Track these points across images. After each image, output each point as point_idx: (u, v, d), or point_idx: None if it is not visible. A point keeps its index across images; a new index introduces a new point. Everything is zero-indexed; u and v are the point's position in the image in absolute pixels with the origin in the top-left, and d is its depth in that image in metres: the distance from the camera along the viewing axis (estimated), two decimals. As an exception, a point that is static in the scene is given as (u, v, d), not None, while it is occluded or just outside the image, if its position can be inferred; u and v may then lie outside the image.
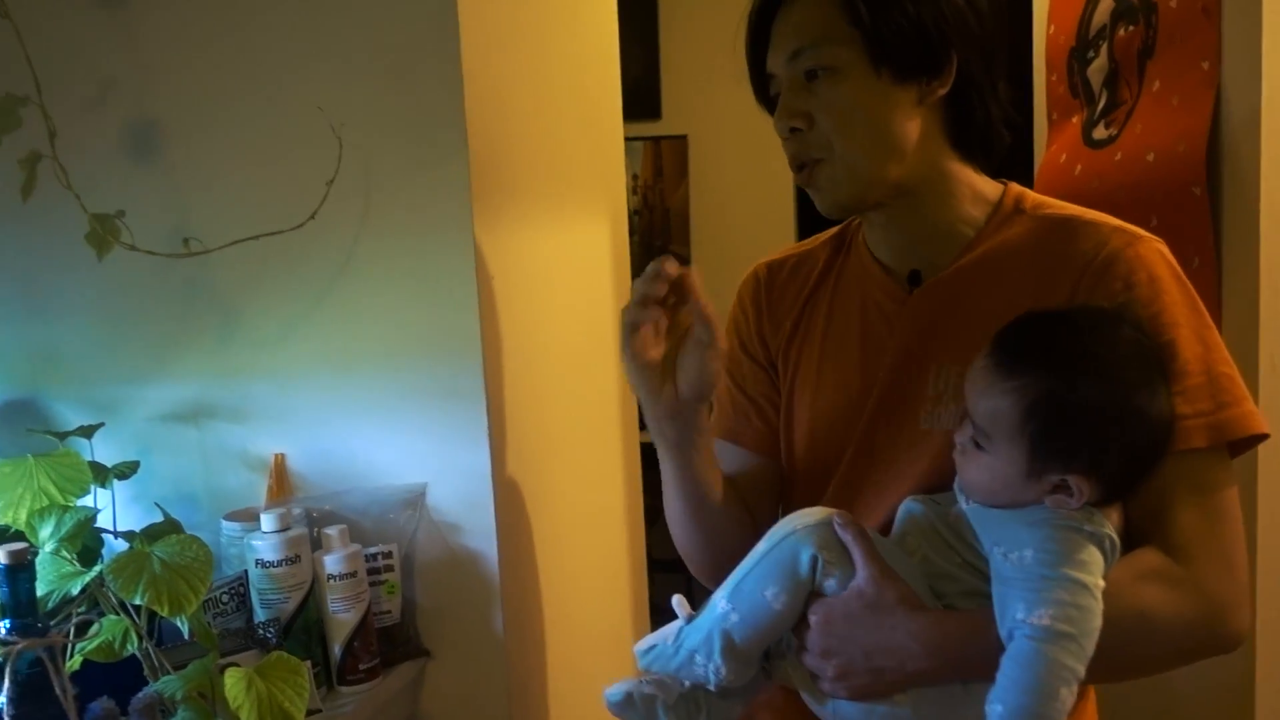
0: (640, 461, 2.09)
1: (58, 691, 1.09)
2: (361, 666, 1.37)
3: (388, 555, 1.43)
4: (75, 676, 1.15)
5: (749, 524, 1.20)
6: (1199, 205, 1.58)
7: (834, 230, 1.27)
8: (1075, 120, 2.05)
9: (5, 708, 1.07)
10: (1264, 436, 1.01)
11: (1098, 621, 0.88)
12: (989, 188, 1.14)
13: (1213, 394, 0.99)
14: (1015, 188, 1.15)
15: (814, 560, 0.99)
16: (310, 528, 1.41)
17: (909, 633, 0.96)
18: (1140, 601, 0.94)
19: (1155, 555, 0.97)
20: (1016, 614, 0.89)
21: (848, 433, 1.14)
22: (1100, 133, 1.93)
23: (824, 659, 1.00)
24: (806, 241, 1.30)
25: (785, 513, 1.17)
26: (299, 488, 1.51)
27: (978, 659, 0.93)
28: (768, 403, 1.24)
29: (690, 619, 1.05)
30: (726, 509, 1.19)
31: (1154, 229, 1.67)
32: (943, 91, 1.08)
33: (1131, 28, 1.83)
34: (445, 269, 1.42)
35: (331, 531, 1.37)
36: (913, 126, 1.08)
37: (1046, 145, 2.17)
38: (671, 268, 1.01)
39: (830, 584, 0.99)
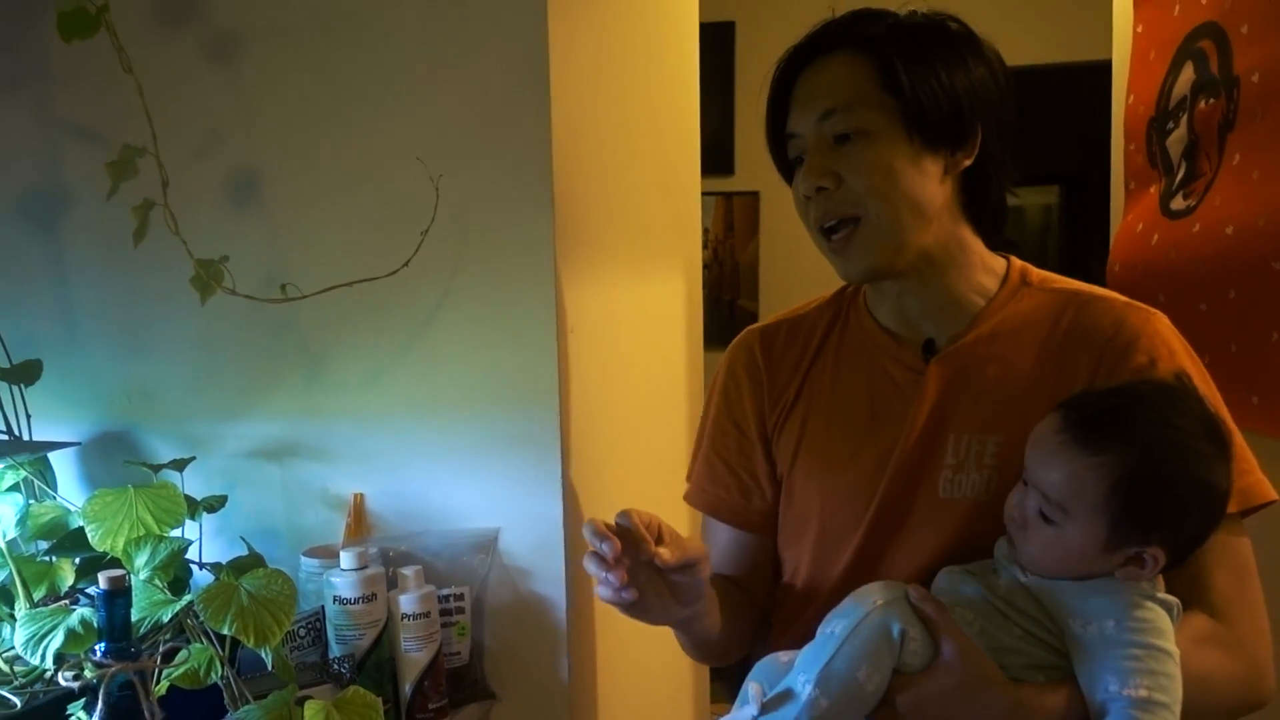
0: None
1: (146, 715, 1.13)
2: (430, 706, 1.40)
3: (459, 597, 1.46)
4: (161, 701, 1.19)
5: (754, 612, 1.22)
6: (1278, 280, 1.57)
7: (827, 296, 1.27)
8: (1153, 190, 2.05)
9: (97, 728, 1.11)
10: (1274, 502, 1.05)
11: (1181, 689, 0.90)
12: (995, 260, 1.17)
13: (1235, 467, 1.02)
14: (1016, 261, 1.19)
15: (903, 636, 0.96)
16: (386, 567, 1.45)
17: (1004, 709, 0.95)
18: (1200, 666, 0.95)
19: (1204, 619, 1.00)
20: (1110, 686, 0.90)
21: (863, 504, 1.12)
22: (1178, 203, 1.93)
23: None
24: (797, 307, 1.29)
25: (789, 588, 1.20)
26: (376, 527, 1.55)
27: None
28: (751, 478, 1.22)
29: (766, 709, 0.99)
30: (735, 623, 1.18)
31: (1232, 302, 1.66)
32: (967, 163, 1.10)
33: (1212, 100, 1.83)
34: (527, 320, 1.46)
35: (407, 572, 1.41)
36: (938, 194, 1.09)
37: (1123, 214, 2.17)
38: (607, 543, 0.94)
39: (914, 662, 0.96)
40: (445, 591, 1.45)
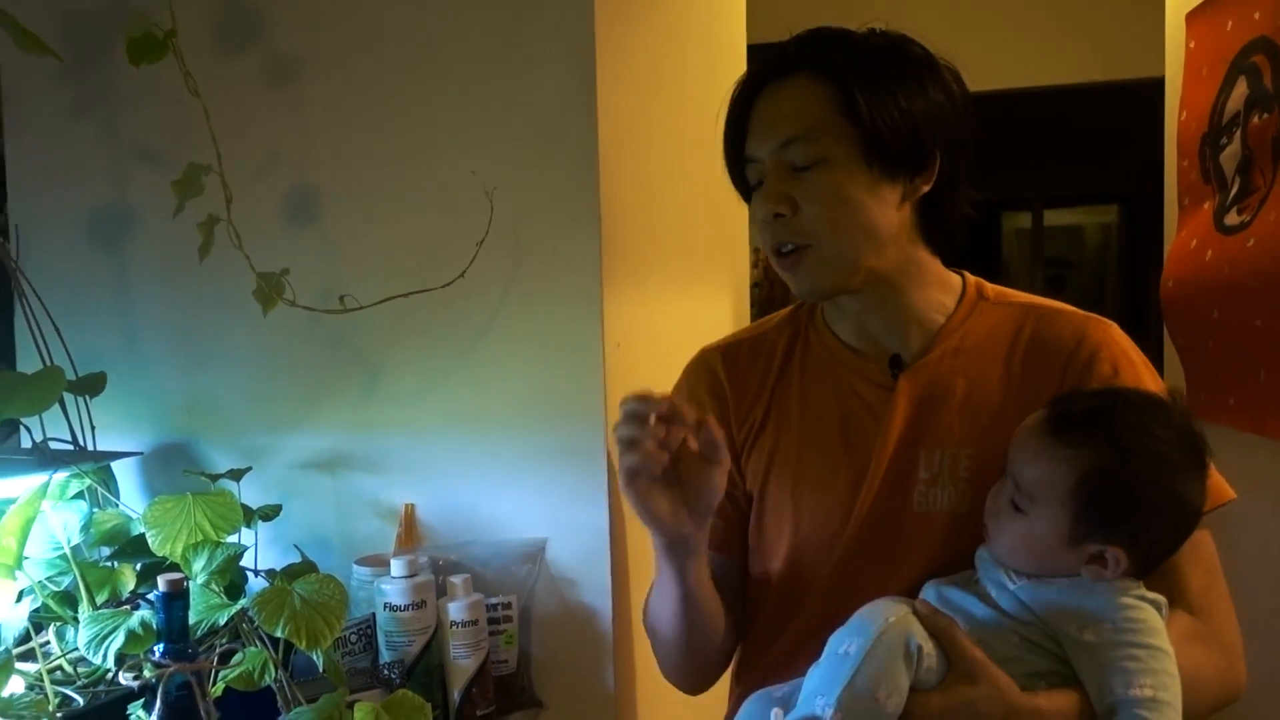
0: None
1: (202, 715, 1.17)
2: (479, 712, 1.42)
3: (507, 606, 1.48)
4: (216, 702, 1.22)
5: (732, 623, 1.21)
6: (1334, 294, 1.55)
7: (784, 313, 1.26)
8: (1207, 206, 2.03)
9: (155, 726, 1.15)
10: (1231, 500, 1.09)
11: (1180, 686, 0.92)
12: (951, 277, 1.18)
13: None
14: (971, 277, 1.19)
15: (919, 652, 0.95)
16: (435, 575, 1.47)
17: (1027, 717, 0.95)
18: (1190, 663, 0.97)
19: (1186, 617, 1.03)
20: (1116, 688, 0.91)
21: (839, 523, 1.12)
22: (1232, 219, 1.91)
23: None
24: (752, 326, 1.28)
25: (762, 611, 1.18)
26: (426, 537, 1.58)
27: None
28: (725, 499, 1.16)
29: None
30: (718, 614, 1.17)
31: (1288, 317, 1.64)
32: (926, 189, 1.10)
33: (1266, 115, 1.81)
34: (575, 334, 1.49)
35: (456, 580, 1.43)
36: (894, 220, 1.09)
37: (1177, 230, 2.15)
38: (655, 402, 0.96)
39: (929, 679, 0.95)
40: (493, 600, 1.48)
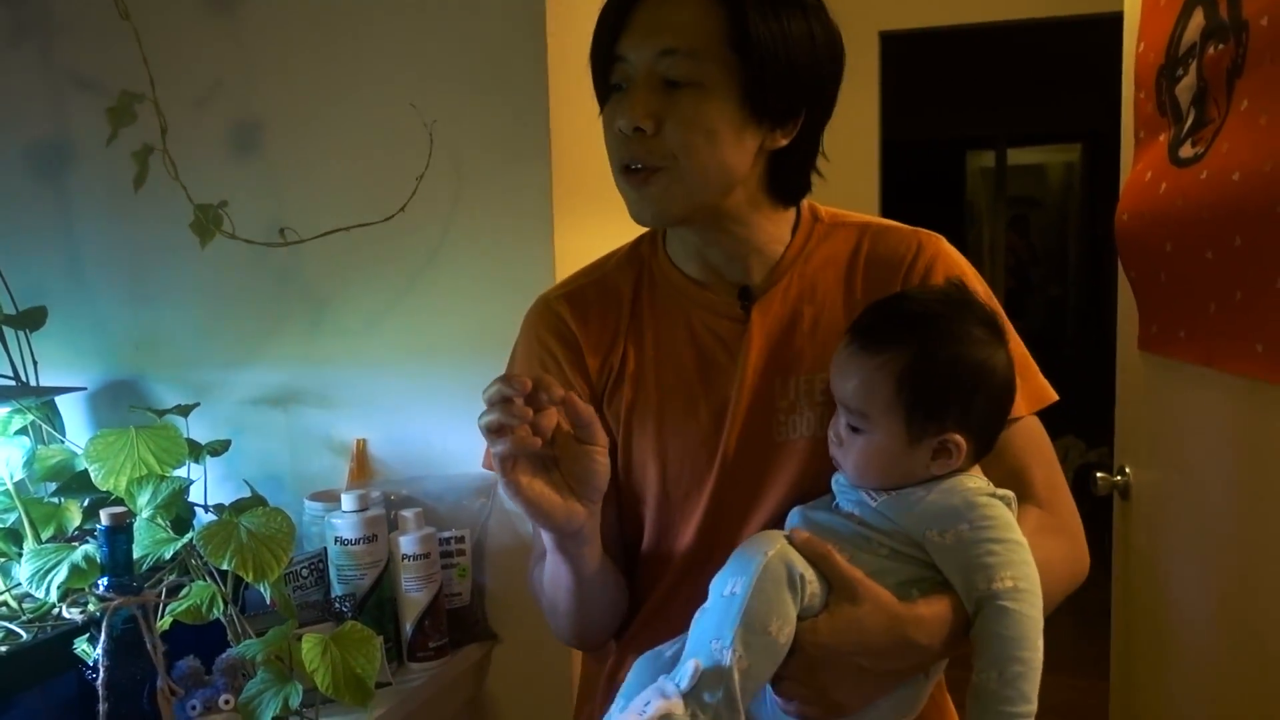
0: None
1: (149, 647, 1.16)
2: (431, 644, 1.42)
3: (460, 540, 1.48)
4: (164, 636, 1.22)
5: (622, 580, 1.16)
6: (1284, 225, 1.56)
7: (623, 250, 1.22)
8: (1162, 139, 2.02)
9: (101, 659, 1.14)
10: (1055, 401, 1.15)
11: (1038, 573, 0.96)
12: (786, 209, 1.15)
13: (1020, 370, 1.07)
14: (804, 200, 1.16)
15: (802, 580, 0.95)
16: (388, 510, 1.47)
17: (906, 628, 0.96)
18: (1041, 552, 0.99)
19: (1034, 510, 1.07)
20: (979, 584, 0.95)
21: (706, 459, 1.10)
22: (1187, 151, 1.91)
23: (822, 680, 0.95)
24: (589, 268, 1.22)
25: (638, 553, 1.15)
26: (378, 472, 1.58)
27: (956, 639, 0.98)
28: None
29: (698, 686, 0.92)
30: (615, 587, 1.13)
31: (1238, 249, 1.65)
32: (784, 143, 1.06)
33: (1221, 46, 1.81)
34: (525, 265, 1.47)
35: (407, 514, 1.43)
36: (747, 165, 1.05)
37: (1133, 164, 2.15)
38: (518, 382, 0.90)
39: (814, 604, 0.96)
40: (446, 534, 1.48)
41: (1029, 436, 1.11)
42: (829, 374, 1.06)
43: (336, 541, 1.41)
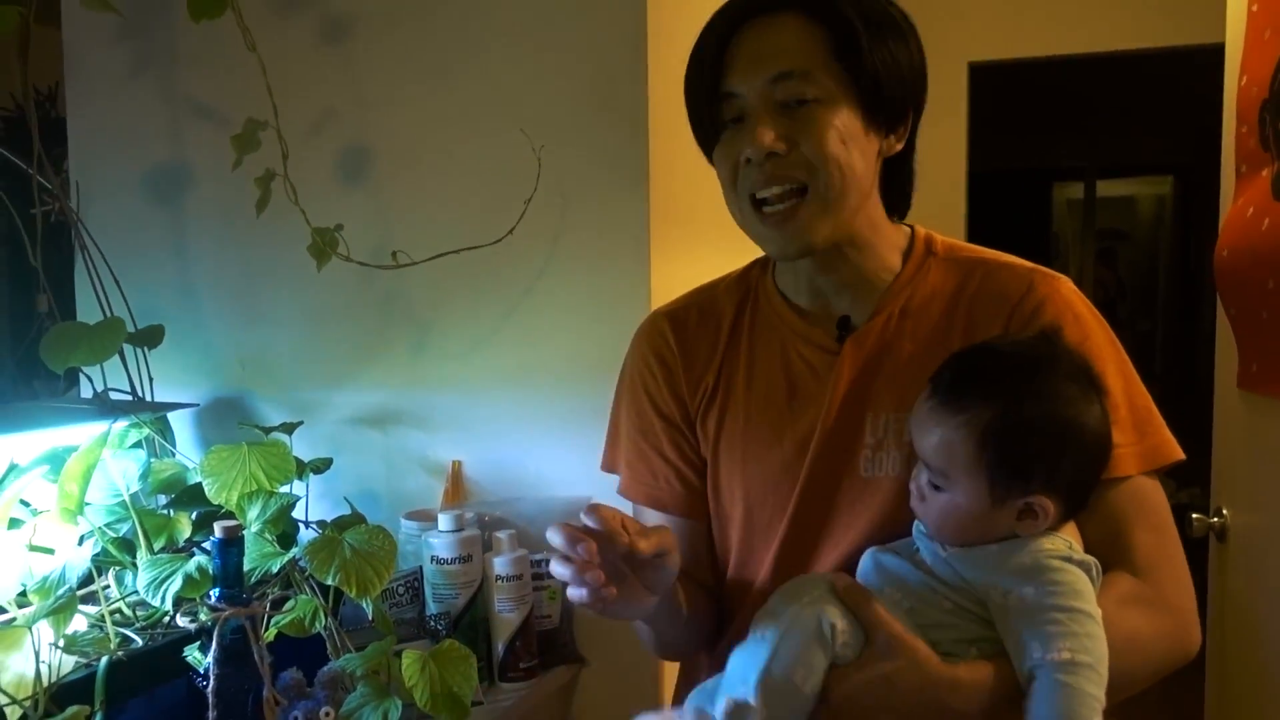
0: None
1: (256, 658, 1.20)
2: (522, 665, 1.45)
3: (552, 562, 1.50)
4: (268, 647, 1.26)
5: (710, 598, 1.19)
6: (1393, 265, 1.52)
7: (734, 274, 1.23)
8: (1265, 174, 1.99)
9: (211, 667, 1.18)
10: (1181, 460, 1.06)
11: (1105, 649, 0.90)
12: (900, 234, 1.15)
13: (1136, 424, 1.03)
14: (921, 229, 1.15)
15: (832, 630, 0.94)
16: (482, 531, 1.50)
17: (939, 689, 0.93)
18: (1127, 625, 0.95)
19: (1128, 579, 1.00)
20: (1034, 653, 0.90)
21: (787, 488, 1.10)
22: (1291, 187, 1.87)
23: None
24: (701, 289, 1.24)
25: (724, 575, 1.17)
26: (473, 493, 1.61)
27: (1004, 705, 0.93)
28: (688, 465, 1.18)
29: None
30: (695, 606, 1.15)
31: (1344, 287, 1.61)
32: (899, 147, 1.07)
33: (1329, 81, 1.77)
34: (621, 293, 1.50)
35: (502, 535, 1.46)
36: (873, 173, 1.07)
37: (1233, 198, 2.11)
38: (582, 541, 0.92)
39: (847, 654, 0.94)
40: (538, 556, 1.50)
41: (1135, 497, 1.03)
42: None
43: (432, 560, 1.44)
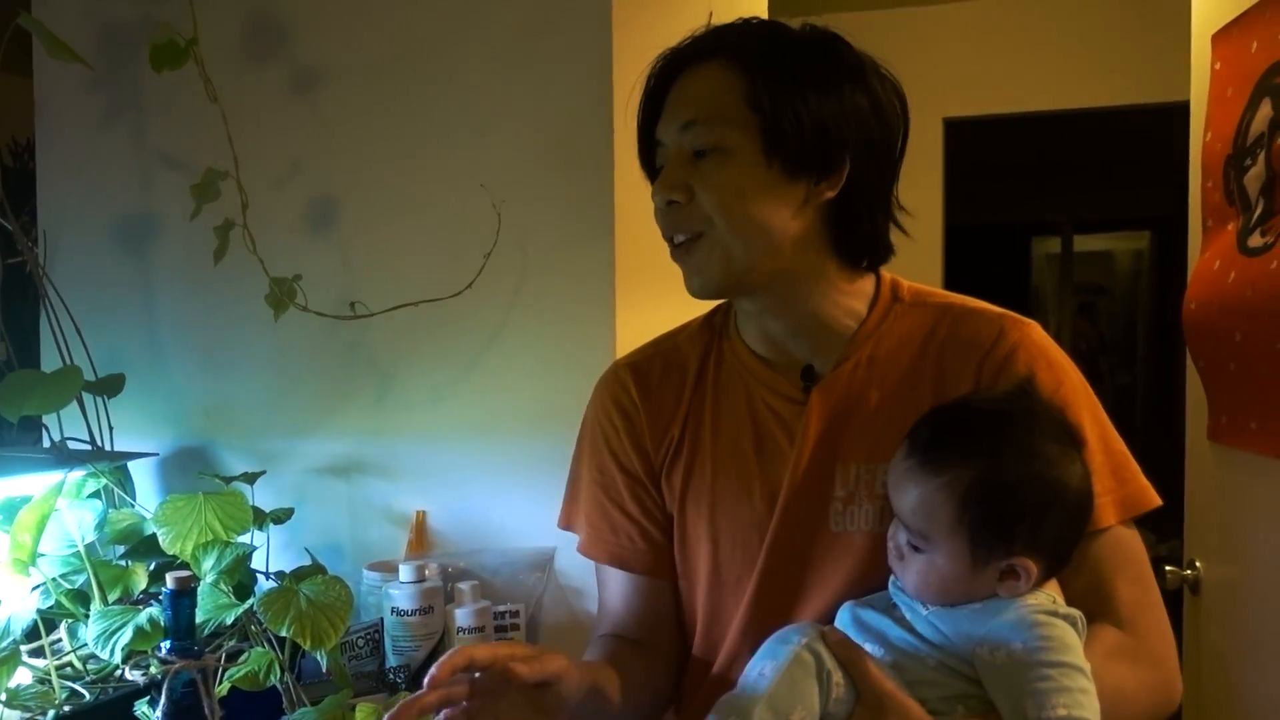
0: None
1: (206, 712, 1.17)
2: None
3: (515, 614, 1.49)
4: (221, 702, 1.23)
5: (661, 675, 1.15)
6: (1357, 316, 1.53)
7: (696, 322, 1.21)
8: (1231, 228, 2.01)
9: (159, 722, 1.16)
10: (1159, 506, 1.04)
11: (1098, 704, 0.88)
12: (863, 281, 1.11)
13: (1114, 471, 1.02)
14: (887, 275, 1.13)
15: (828, 678, 0.91)
16: (445, 582, 1.48)
17: None
18: (1115, 680, 0.93)
19: (1112, 632, 0.98)
20: (1029, 712, 0.87)
21: (756, 543, 1.08)
22: (1255, 240, 1.89)
23: None
24: (664, 337, 1.22)
25: (694, 639, 1.14)
26: (437, 544, 1.59)
27: None
28: (650, 521, 1.15)
29: None
30: (638, 695, 1.11)
31: (1309, 339, 1.62)
32: (830, 195, 1.03)
33: (1290, 136, 1.79)
34: (587, 343, 1.50)
35: (464, 587, 1.44)
36: (795, 224, 1.03)
37: (1200, 252, 2.13)
38: (443, 677, 0.88)
39: (839, 710, 0.92)
40: (501, 608, 1.48)
41: (1116, 548, 1.02)
42: (889, 463, 1.01)
43: (393, 612, 1.42)
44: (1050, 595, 0.95)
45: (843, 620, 1.01)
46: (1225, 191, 2.02)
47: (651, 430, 1.15)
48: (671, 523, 1.15)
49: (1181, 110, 2.24)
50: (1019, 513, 0.92)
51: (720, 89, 1.02)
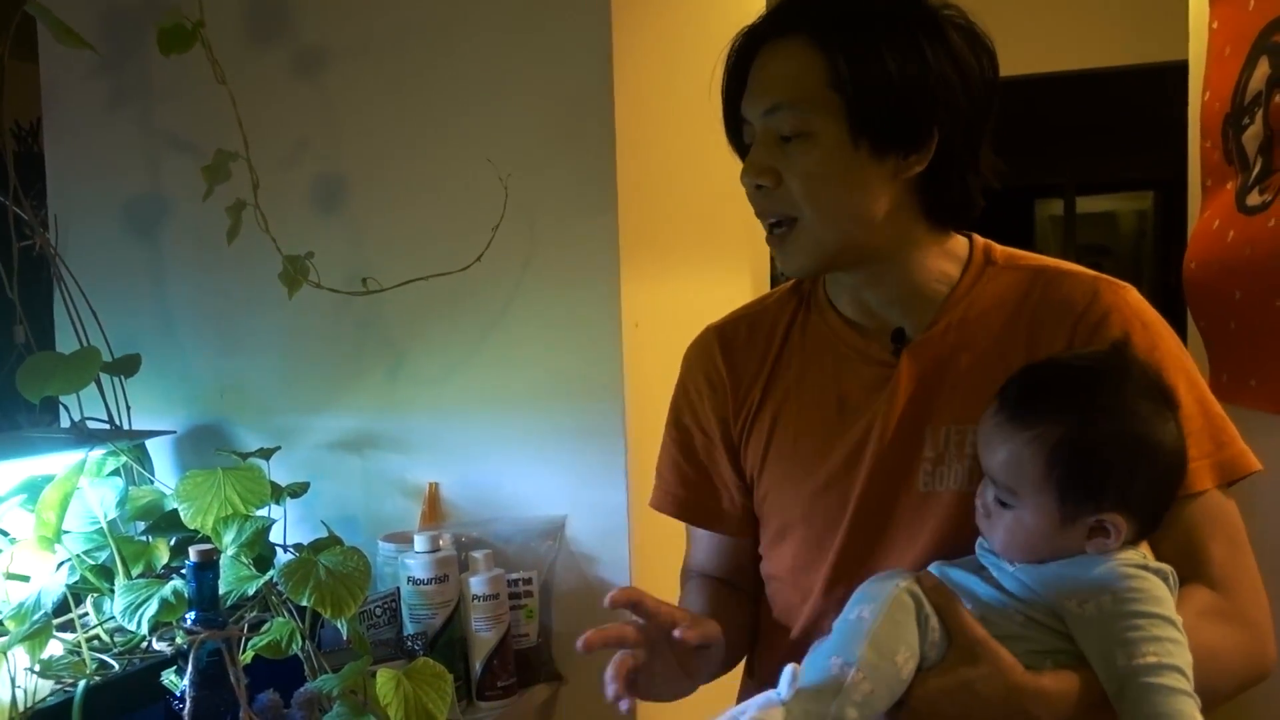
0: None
1: (232, 680, 1.21)
2: (499, 684, 1.46)
3: (528, 581, 1.52)
4: (245, 670, 1.27)
5: (748, 612, 1.19)
6: (1354, 273, 1.54)
7: (786, 286, 1.21)
8: (1229, 187, 2.02)
9: (187, 690, 1.19)
10: (1258, 470, 1.03)
11: (1190, 655, 0.88)
12: (956, 244, 1.12)
13: (1212, 435, 1.01)
14: (980, 239, 1.13)
15: (926, 621, 0.91)
16: (459, 552, 1.51)
17: (1030, 698, 0.90)
18: (1208, 639, 0.93)
19: (1205, 592, 0.97)
20: (1119, 660, 0.88)
21: (839, 503, 1.08)
22: (1254, 199, 1.90)
23: None
24: (754, 302, 1.23)
25: (773, 601, 1.16)
26: (450, 515, 1.62)
27: (1089, 715, 0.91)
28: (731, 483, 1.17)
29: (801, 697, 0.89)
30: (733, 632, 1.11)
31: (1305, 296, 1.64)
32: (920, 168, 1.03)
33: (1287, 94, 1.80)
34: (593, 316, 1.52)
35: (478, 555, 1.47)
36: (885, 199, 1.03)
37: (1200, 211, 2.14)
38: (620, 600, 0.99)
39: (932, 654, 0.92)
40: (514, 576, 1.51)
41: (1211, 512, 1.00)
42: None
43: (409, 581, 1.45)
44: (1141, 553, 0.94)
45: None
46: (1224, 151, 2.02)
47: (733, 394, 1.16)
48: (746, 486, 1.17)
49: (1181, 70, 2.24)
50: (1108, 468, 0.91)
51: (801, 70, 1.01)
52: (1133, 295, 1.06)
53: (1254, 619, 1.00)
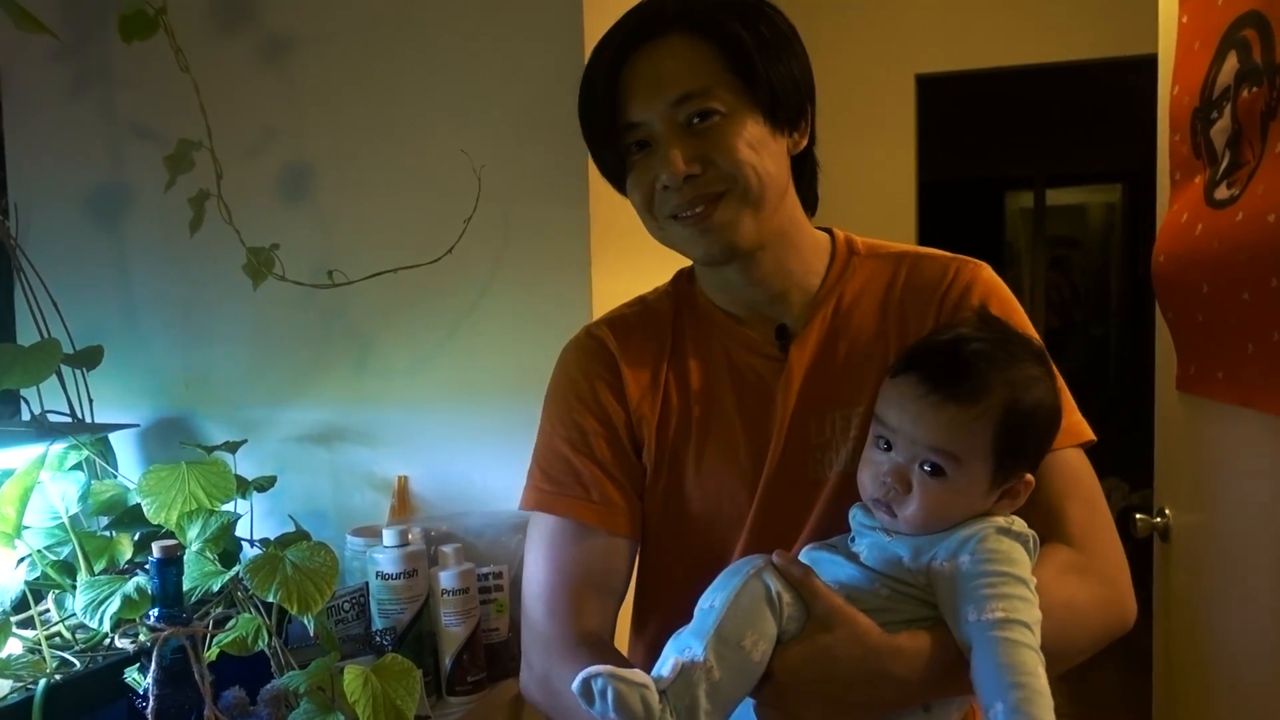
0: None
1: (196, 678, 1.19)
2: (469, 679, 1.44)
3: (498, 576, 1.51)
4: (210, 667, 1.25)
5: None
6: (1321, 267, 1.56)
7: (659, 289, 1.24)
8: (1198, 181, 2.03)
9: (151, 688, 1.17)
10: (1092, 440, 1.11)
11: (1038, 613, 0.92)
12: (820, 236, 1.18)
13: (1063, 400, 1.06)
14: (839, 232, 1.19)
15: (779, 600, 0.94)
16: (428, 545, 1.50)
17: (888, 657, 0.93)
18: (1063, 592, 0.97)
19: (1064, 549, 1.03)
20: (969, 617, 0.92)
21: (745, 500, 1.11)
22: (1222, 193, 1.91)
23: (794, 708, 0.94)
24: (631, 301, 1.24)
25: (649, 593, 1.18)
26: (419, 508, 1.61)
27: (946, 672, 0.94)
28: (626, 478, 1.15)
29: (663, 684, 0.90)
30: None
31: (1275, 289, 1.65)
32: (804, 144, 1.11)
33: (1255, 89, 1.82)
34: (564, 308, 1.51)
35: (447, 549, 1.46)
36: (786, 173, 1.09)
37: (1169, 205, 2.15)
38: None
39: (791, 628, 0.95)
40: (484, 570, 1.50)
41: (1066, 471, 1.07)
42: (865, 408, 1.07)
43: (378, 576, 1.44)
44: (1010, 517, 0.99)
45: (805, 561, 1.02)
46: (1192, 145, 2.04)
47: (633, 382, 1.15)
48: (642, 481, 1.16)
49: (1150, 63, 2.25)
50: (1035, 436, 0.99)
51: (696, 59, 1.04)
52: (987, 271, 1.15)
53: (1111, 575, 1.06)
